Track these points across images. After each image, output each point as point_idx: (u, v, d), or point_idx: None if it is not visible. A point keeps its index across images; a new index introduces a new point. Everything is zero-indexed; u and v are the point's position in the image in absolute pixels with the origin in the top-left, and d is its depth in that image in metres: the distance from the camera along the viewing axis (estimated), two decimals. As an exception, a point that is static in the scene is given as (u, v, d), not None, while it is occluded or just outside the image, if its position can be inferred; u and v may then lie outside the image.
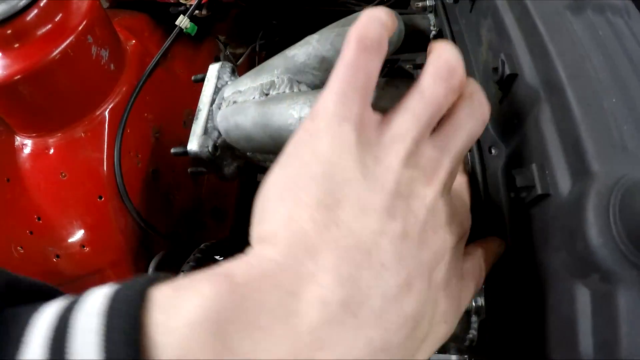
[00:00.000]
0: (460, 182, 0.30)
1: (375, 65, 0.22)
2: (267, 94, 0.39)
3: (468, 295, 0.27)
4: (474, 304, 0.36)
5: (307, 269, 0.18)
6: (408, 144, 0.22)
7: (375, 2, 0.65)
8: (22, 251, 0.63)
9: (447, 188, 0.24)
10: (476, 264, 0.28)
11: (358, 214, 0.19)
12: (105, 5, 0.81)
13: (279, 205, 0.20)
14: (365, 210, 0.19)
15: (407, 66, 0.54)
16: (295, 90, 0.36)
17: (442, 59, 0.23)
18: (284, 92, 0.38)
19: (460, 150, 0.24)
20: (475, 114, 0.25)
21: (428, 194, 0.22)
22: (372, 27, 0.22)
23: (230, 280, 0.17)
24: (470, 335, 0.37)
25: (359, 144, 0.20)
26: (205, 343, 0.15)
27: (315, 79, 0.39)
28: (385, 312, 0.18)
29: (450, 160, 0.24)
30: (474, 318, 0.37)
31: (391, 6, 0.58)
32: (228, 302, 0.16)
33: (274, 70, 0.38)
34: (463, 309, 0.27)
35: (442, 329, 0.24)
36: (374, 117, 0.22)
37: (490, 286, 0.34)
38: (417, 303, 0.20)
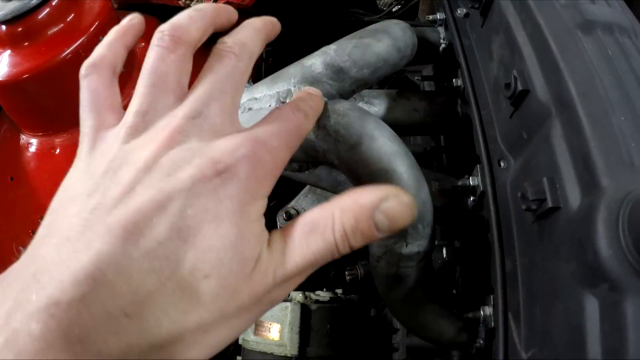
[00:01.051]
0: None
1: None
2: (283, 102, 0.39)
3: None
4: (482, 313, 0.37)
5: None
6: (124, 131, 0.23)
7: (382, 13, 0.67)
8: (23, 251, 0.63)
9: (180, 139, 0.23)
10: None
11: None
12: (114, 7, 0.81)
13: None
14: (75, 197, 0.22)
15: (416, 78, 0.55)
16: (312, 99, 0.37)
17: None
18: (299, 100, 0.39)
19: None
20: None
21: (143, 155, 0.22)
22: None
23: None
24: (478, 345, 0.38)
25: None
26: None
27: (332, 88, 0.40)
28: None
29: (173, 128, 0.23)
30: (481, 327, 0.37)
31: (400, 17, 0.59)
32: None
33: (290, 78, 0.39)
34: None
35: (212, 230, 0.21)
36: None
37: (499, 295, 0.35)
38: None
